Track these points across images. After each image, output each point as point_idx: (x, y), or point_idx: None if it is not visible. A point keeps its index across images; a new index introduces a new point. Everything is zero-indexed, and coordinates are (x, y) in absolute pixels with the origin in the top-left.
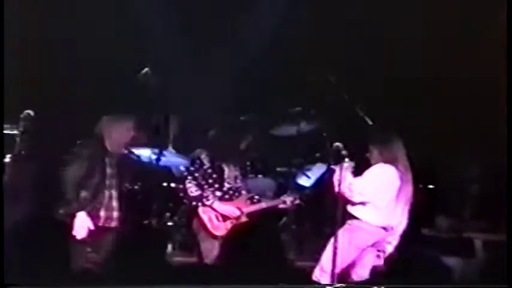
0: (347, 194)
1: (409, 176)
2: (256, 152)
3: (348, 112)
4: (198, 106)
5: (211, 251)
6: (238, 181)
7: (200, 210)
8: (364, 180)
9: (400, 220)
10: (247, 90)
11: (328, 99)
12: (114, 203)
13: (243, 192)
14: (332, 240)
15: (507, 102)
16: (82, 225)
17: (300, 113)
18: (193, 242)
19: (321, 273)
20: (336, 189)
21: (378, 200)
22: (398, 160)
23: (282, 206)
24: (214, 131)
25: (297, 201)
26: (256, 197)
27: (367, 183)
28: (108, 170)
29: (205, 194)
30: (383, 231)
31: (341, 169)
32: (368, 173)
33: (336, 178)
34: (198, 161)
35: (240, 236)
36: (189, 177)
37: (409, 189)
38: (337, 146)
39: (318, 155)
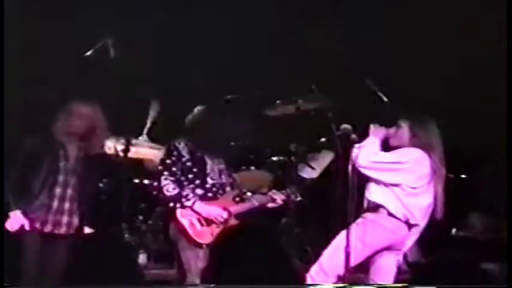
0: (368, 170)
1: (443, 171)
2: (247, 139)
3: (357, 87)
4: (177, 85)
5: (194, 262)
6: (223, 176)
7: (179, 213)
8: (396, 155)
9: (424, 216)
10: (234, 65)
11: (333, 70)
12: (67, 205)
13: (229, 189)
14: (339, 234)
15: (507, 102)
16: (15, 226)
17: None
18: (172, 252)
19: (318, 272)
20: (350, 170)
21: (408, 182)
22: (434, 148)
23: (278, 204)
24: (193, 114)
25: (298, 198)
26: (248, 193)
27: (398, 158)
28: (61, 165)
29: (184, 193)
30: (405, 227)
31: (351, 157)
32: (398, 151)
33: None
34: (175, 152)
35: (230, 244)
36: (165, 173)
37: (439, 185)
38: (346, 129)
39: (322, 140)
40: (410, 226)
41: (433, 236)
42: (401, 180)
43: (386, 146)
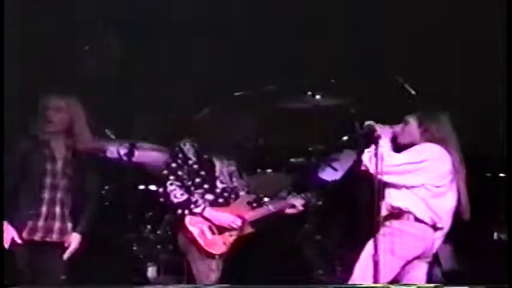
0: (388, 176)
1: (463, 167)
2: (260, 139)
3: (383, 80)
4: (180, 84)
5: (207, 274)
6: (234, 179)
7: (188, 220)
8: (412, 154)
9: (449, 218)
10: (245, 58)
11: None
12: (57, 209)
13: (242, 193)
14: (366, 249)
15: (507, 101)
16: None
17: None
18: (183, 263)
19: None
20: (374, 174)
21: (430, 181)
22: (448, 142)
23: (297, 209)
24: (200, 113)
25: (319, 202)
26: (266, 198)
27: (416, 157)
28: (49, 167)
29: (193, 199)
30: (432, 231)
31: (376, 156)
32: (414, 149)
33: (371, 165)
34: (180, 155)
35: (246, 254)
36: (171, 177)
37: (461, 182)
38: (370, 126)
39: (344, 138)
40: (436, 229)
41: (470, 240)
42: (423, 180)
43: (395, 145)
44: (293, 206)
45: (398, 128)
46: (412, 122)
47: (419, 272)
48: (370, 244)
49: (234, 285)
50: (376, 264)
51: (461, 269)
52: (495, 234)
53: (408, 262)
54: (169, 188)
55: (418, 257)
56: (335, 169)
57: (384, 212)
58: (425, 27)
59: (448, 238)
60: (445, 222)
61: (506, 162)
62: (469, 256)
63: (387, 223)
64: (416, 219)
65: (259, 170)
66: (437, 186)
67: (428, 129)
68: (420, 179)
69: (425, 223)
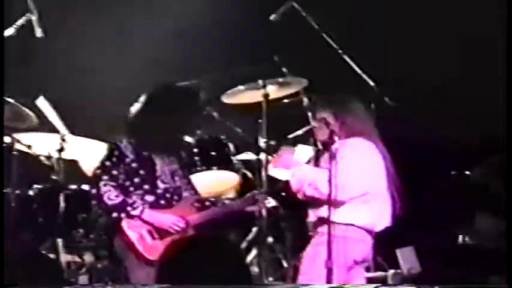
0: (319, 194)
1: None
2: (205, 134)
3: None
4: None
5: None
6: (177, 178)
7: (125, 224)
8: (345, 166)
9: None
10: (185, 44)
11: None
12: None
13: (186, 194)
14: (305, 259)
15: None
16: None
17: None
18: (119, 271)
19: None
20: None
21: (371, 188)
22: (371, 134)
23: (248, 209)
24: (138, 104)
25: (271, 204)
26: (211, 199)
27: (350, 168)
28: None
29: (130, 201)
30: (370, 236)
31: (332, 154)
32: (343, 154)
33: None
34: (116, 152)
35: (184, 259)
36: (104, 177)
37: (392, 173)
38: (324, 118)
39: (298, 132)
40: (372, 233)
41: (434, 243)
42: (354, 182)
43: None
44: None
45: (315, 123)
46: (327, 116)
47: (358, 276)
48: (308, 250)
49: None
50: (317, 270)
51: (423, 272)
52: (460, 238)
53: (349, 268)
54: (103, 189)
55: (357, 262)
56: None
57: (312, 217)
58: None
59: (410, 240)
60: (383, 223)
61: (506, 161)
62: (431, 259)
63: (321, 229)
64: (352, 224)
65: (203, 168)
66: (374, 186)
67: (344, 121)
68: (363, 188)
69: (366, 229)
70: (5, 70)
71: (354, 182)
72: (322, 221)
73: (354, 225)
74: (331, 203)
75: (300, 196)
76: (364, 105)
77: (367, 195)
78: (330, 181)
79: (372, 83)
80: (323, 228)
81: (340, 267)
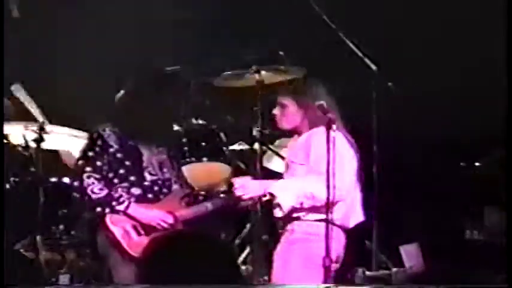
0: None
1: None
2: (195, 123)
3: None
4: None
5: (130, 280)
6: (165, 169)
7: (109, 219)
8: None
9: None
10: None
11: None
12: None
13: (175, 186)
14: (278, 259)
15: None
16: None
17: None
18: (103, 268)
19: None
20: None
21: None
22: (335, 120)
23: (241, 205)
24: (123, 91)
25: (266, 197)
26: (202, 192)
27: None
28: None
29: (115, 194)
30: (341, 232)
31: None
32: (317, 147)
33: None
34: (99, 142)
35: (168, 257)
36: (87, 169)
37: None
38: (321, 106)
39: None
40: (345, 230)
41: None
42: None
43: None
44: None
45: (276, 111)
46: (289, 102)
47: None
48: (280, 249)
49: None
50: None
51: (428, 271)
52: (468, 233)
53: (327, 266)
54: (86, 181)
55: (332, 261)
56: (283, 158)
57: (279, 213)
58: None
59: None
60: (353, 221)
61: (506, 161)
62: (437, 256)
63: (290, 226)
64: (322, 220)
65: (193, 159)
66: (346, 178)
67: (308, 106)
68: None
69: (338, 225)
70: None
71: (344, 180)
72: (290, 218)
73: (328, 221)
74: (330, 205)
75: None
76: (328, 90)
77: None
78: (328, 185)
79: (373, 67)
80: (293, 226)
81: (319, 266)
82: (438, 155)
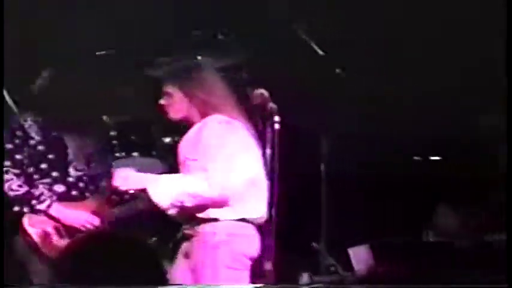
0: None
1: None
2: (125, 112)
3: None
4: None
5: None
6: (92, 164)
7: (27, 221)
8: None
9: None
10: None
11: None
12: None
13: (103, 184)
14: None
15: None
16: None
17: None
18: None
19: None
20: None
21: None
22: (232, 109)
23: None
24: (45, 75)
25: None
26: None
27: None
28: None
29: (36, 192)
30: (255, 229)
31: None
32: (209, 138)
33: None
34: (19, 132)
35: (91, 259)
36: (6, 163)
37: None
38: (261, 95)
39: None
40: (258, 226)
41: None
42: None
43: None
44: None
45: (163, 101)
46: (174, 92)
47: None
48: (197, 253)
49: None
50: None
51: (380, 272)
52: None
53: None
54: (5, 177)
55: (253, 259)
56: None
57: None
58: None
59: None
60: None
61: (507, 161)
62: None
63: (207, 229)
64: (246, 220)
65: (123, 154)
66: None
67: (194, 95)
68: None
69: (250, 222)
70: None
71: (233, 173)
72: (205, 220)
73: (241, 220)
74: (217, 203)
75: (173, 212)
76: (219, 76)
77: (248, 185)
78: (216, 181)
79: (320, 52)
80: (209, 228)
81: (243, 267)
82: (393, 149)
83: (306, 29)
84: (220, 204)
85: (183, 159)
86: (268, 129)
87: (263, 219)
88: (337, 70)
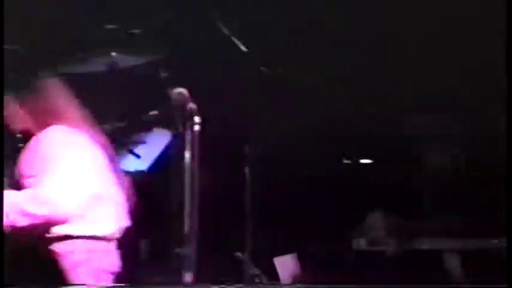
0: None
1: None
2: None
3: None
4: None
5: None
6: None
7: None
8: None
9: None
10: None
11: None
12: None
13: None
14: None
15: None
16: None
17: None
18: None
19: None
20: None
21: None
22: (76, 118)
23: None
24: None
25: None
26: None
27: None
28: None
29: None
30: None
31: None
32: (46, 151)
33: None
34: None
35: None
36: None
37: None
38: (180, 94)
39: (152, 113)
40: (109, 240)
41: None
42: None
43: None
44: None
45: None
46: (10, 101)
47: None
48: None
49: None
50: None
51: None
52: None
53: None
54: None
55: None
56: (138, 156)
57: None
58: None
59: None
60: (116, 230)
61: (507, 161)
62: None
63: (64, 248)
64: (88, 236)
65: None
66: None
67: (27, 101)
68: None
69: (102, 237)
70: None
71: (72, 188)
72: (60, 238)
73: (91, 237)
74: (54, 221)
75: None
76: (63, 81)
77: (96, 199)
78: (49, 199)
79: (243, 48)
80: (66, 247)
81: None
82: (321, 152)
83: (228, 25)
84: (59, 221)
85: (22, 176)
86: (188, 131)
87: (116, 235)
88: (262, 68)
